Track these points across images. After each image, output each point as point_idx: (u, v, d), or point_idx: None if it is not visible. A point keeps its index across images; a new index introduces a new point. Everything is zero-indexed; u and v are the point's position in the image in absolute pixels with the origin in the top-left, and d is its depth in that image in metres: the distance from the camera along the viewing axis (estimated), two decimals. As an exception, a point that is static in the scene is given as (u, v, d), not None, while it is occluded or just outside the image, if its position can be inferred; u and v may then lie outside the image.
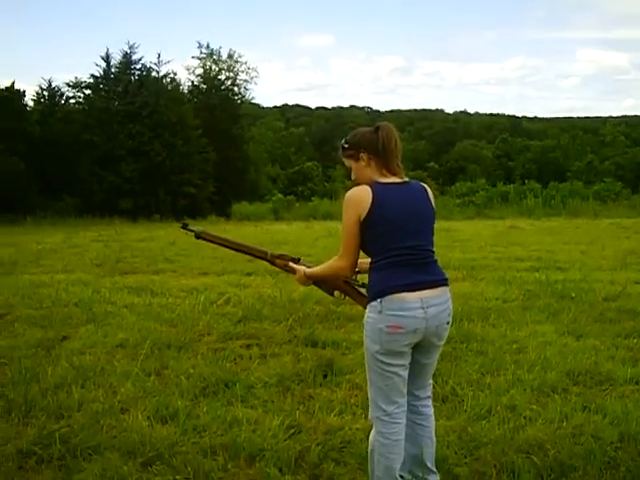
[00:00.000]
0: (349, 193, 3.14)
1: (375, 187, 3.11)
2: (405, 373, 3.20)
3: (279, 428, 4.23)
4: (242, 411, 4.54)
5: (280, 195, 37.10)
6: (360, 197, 3.08)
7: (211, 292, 8.85)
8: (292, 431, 4.22)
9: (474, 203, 31.80)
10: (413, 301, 3.05)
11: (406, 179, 3.23)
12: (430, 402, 3.42)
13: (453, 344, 6.09)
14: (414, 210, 3.15)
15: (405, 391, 3.24)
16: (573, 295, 8.24)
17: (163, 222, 27.14)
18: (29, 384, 5.00)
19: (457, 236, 16.87)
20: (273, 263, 3.63)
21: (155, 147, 31.93)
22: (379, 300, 3.07)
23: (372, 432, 3.29)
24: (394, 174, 3.19)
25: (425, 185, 3.27)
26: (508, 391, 4.87)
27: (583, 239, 15.97)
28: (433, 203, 3.26)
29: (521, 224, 21.24)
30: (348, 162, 3.28)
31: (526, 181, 38.21)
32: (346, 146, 3.26)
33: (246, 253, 3.76)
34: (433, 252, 3.22)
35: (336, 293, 3.56)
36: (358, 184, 3.18)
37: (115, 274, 10.90)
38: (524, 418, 4.41)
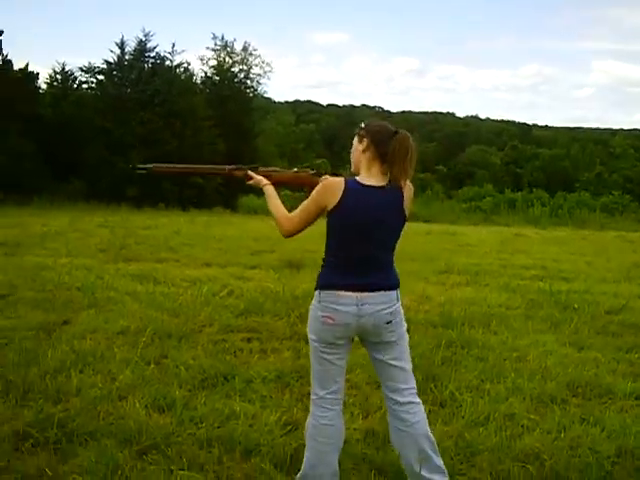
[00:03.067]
0: (326, 181, 3.23)
1: (349, 185, 3.16)
2: (341, 363, 3.34)
3: (276, 424, 4.23)
4: (240, 405, 4.53)
5: (288, 191, 37.01)
6: (333, 189, 3.16)
7: (214, 283, 8.84)
8: (289, 428, 4.22)
9: (481, 209, 31.76)
10: (347, 297, 3.19)
11: (384, 184, 3.20)
12: (413, 408, 3.35)
13: (454, 349, 6.09)
14: (379, 220, 3.19)
15: (340, 380, 3.37)
16: (576, 306, 8.21)
17: (168, 210, 27.16)
18: (28, 366, 5.01)
19: (462, 240, 16.86)
20: (232, 175, 3.68)
21: (165, 136, 31.87)
22: (318, 291, 3.27)
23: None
24: (382, 176, 3.21)
25: (406, 188, 3.23)
26: (507, 399, 4.86)
27: (588, 250, 15.93)
28: (407, 208, 3.26)
29: (527, 232, 21.19)
30: (355, 140, 3.34)
31: (534, 189, 38.13)
32: (362, 126, 3.33)
33: (205, 174, 3.75)
34: (387, 258, 3.30)
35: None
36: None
37: (119, 260, 10.90)
38: (522, 427, 4.40)
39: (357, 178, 3.23)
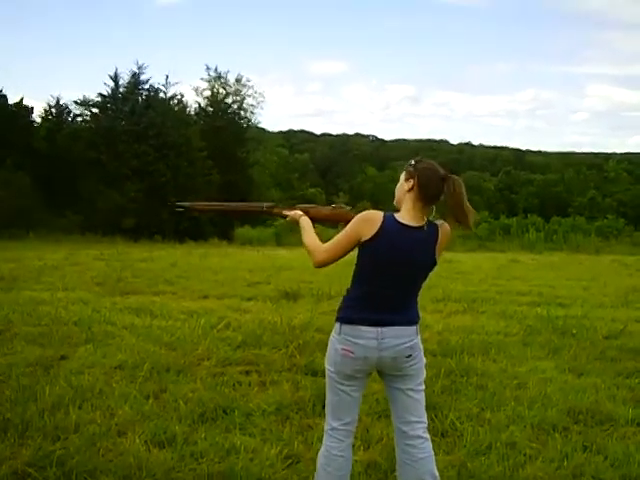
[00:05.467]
0: (366, 212, 3.22)
1: (388, 220, 3.15)
2: (356, 395, 3.34)
3: (277, 457, 4.21)
4: (240, 439, 4.51)
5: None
6: (370, 222, 3.15)
7: (211, 316, 8.81)
8: (290, 461, 4.20)
9: (476, 235, 31.75)
10: (368, 331, 3.18)
11: (422, 224, 3.21)
12: (422, 443, 3.32)
13: (453, 377, 6.07)
14: (411, 262, 3.19)
15: (355, 412, 3.38)
16: (574, 332, 8.20)
17: (165, 243, 27.17)
18: (26, 403, 4.97)
19: (459, 268, 16.85)
20: (270, 213, 3.72)
21: (160, 167, 32.07)
22: (339, 324, 3.26)
23: None
24: (423, 217, 3.22)
25: (441, 228, 3.25)
26: (508, 427, 4.84)
27: (585, 275, 15.96)
28: (440, 248, 3.25)
29: (522, 258, 21.24)
30: (402, 176, 3.33)
31: (528, 215, 38.17)
32: (412, 162, 3.31)
33: (242, 212, 3.74)
34: (411, 299, 3.31)
35: None
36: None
37: (115, 294, 10.87)
38: (524, 455, 4.38)
39: (396, 215, 3.21)
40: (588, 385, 5.98)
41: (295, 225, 3.57)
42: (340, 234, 3.25)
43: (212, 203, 3.73)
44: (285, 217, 3.65)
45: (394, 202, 3.34)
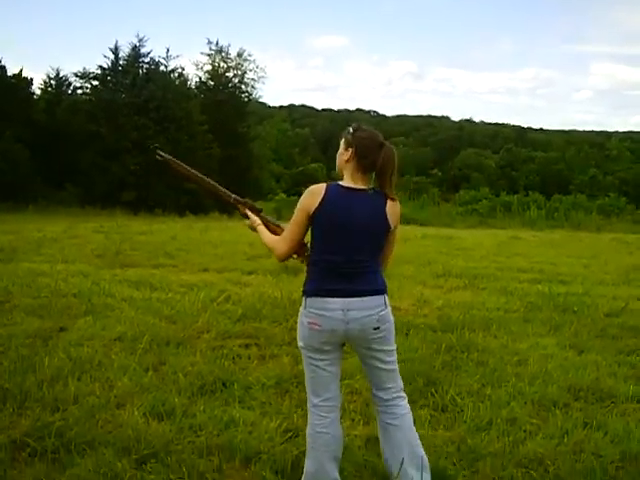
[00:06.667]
0: (310, 187, 3.24)
1: (330, 188, 3.20)
2: (333, 369, 3.33)
3: (276, 431, 4.19)
4: (239, 412, 4.49)
5: (283, 195, 36.94)
6: (313, 193, 3.19)
7: (211, 289, 8.79)
8: (289, 435, 4.17)
9: (477, 212, 31.73)
10: (333, 302, 3.18)
11: (365, 187, 3.23)
12: (401, 402, 3.39)
13: (454, 353, 6.05)
14: (361, 220, 3.19)
15: (334, 387, 3.35)
16: (575, 309, 8.18)
17: (165, 216, 27.13)
18: (25, 374, 4.95)
19: (459, 244, 16.83)
20: (236, 207, 3.66)
21: (160, 141, 31.86)
22: (305, 297, 3.27)
23: None
24: (364, 184, 3.24)
25: (390, 199, 3.25)
26: (509, 403, 4.82)
27: (585, 253, 15.91)
28: (392, 219, 3.25)
29: (523, 235, 21.19)
30: (341, 143, 3.33)
31: (529, 192, 38.10)
32: (350, 130, 3.31)
33: (211, 191, 3.70)
34: (372, 263, 3.27)
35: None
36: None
37: (115, 266, 10.86)
38: (524, 432, 4.36)
39: (339, 182, 3.25)
40: (589, 362, 5.95)
41: (252, 230, 3.54)
42: (291, 219, 3.26)
43: (190, 170, 3.65)
44: (246, 217, 3.58)
45: (336, 170, 3.35)
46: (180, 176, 3.73)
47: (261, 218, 3.54)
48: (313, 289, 3.24)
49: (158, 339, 6.13)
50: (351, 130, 3.30)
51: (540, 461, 3.89)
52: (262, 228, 3.49)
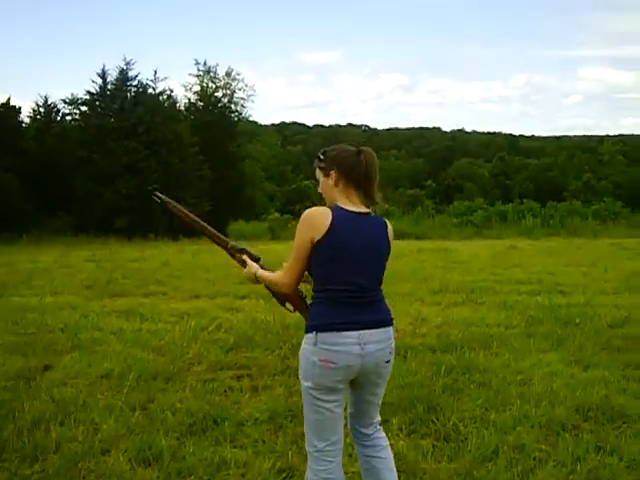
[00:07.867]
0: (308, 212, 2.98)
1: (336, 212, 2.94)
2: (340, 410, 3.06)
3: (270, 472, 3.97)
4: (231, 452, 4.25)
5: (277, 214, 36.67)
6: (319, 218, 2.93)
7: (202, 317, 8.54)
8: (284, 475, 3.96)
9: (472, 223, 31.52)
10: (349, 336, 2.93)
11: (369, 210, 3.05)
12: (381, 434, 3.24)
13: (454, 375, 5.82)
14: (371, 245, 3.01)
15: (340, 429, 3.08)
16: (578, 321, 7.96)
17: (158, 241, 26.88)
18: (4, 422, 4.69)
19: (455, 257, 16.62)
20: (232, 256, 3.41)
21: (151, 164, 31.67)
22: (314, 332, 2.96)
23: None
24: (362, 202, 3.04)
25: (387, 221, 3.13)
26: (514, 428, 4.59)
27: (584, 260, 15.68)
28: (391, 240, 3.10)
29: (520, 244, 20.96)
30: (318, 174, 3.14)
31: (524, 200, 37.94)
32: (321, 157, 3.11)
33: (208, 236, 3.50)
34: (379, 291, 3.10)
35: (288, 305, 3.30)
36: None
37: (104, 297, 10.61)
38: (533, 460, 4.14)
39: (341, 206, 2.99)
40: (596, 378, 5.71)
41: (252, 279, 3.26)
42: (293, 249, 3.00)
43: (188, 214, 3.47)
44: (244, 265, 3.32)
45: (326, 205, 3.07)
46: (177, 219, 3.54)
47: (260, 266, 3.30)
48: (326, 323, 2.94)
49: (146, 374, 5.87)
50: (321, 156, 3.11)
51: (552, 493, 3.65)
52: (261, 271, 3.22)
